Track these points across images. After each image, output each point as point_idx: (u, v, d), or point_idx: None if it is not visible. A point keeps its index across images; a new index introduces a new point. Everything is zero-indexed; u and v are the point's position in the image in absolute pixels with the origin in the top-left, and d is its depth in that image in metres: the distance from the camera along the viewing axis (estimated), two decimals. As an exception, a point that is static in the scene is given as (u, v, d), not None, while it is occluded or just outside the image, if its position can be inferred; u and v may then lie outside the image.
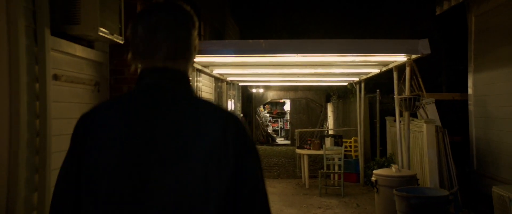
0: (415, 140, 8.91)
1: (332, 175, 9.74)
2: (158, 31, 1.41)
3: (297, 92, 20.42)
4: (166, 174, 1.31)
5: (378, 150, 11.46)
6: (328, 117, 19.17)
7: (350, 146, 11.10)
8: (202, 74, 8.70)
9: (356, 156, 10.98)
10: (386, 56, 5.92)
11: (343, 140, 10.94)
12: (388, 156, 11.00)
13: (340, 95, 17.01)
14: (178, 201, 1.30)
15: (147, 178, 1.31)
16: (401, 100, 6.27)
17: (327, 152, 9.48)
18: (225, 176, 1.33)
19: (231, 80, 11.23)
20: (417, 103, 6.10)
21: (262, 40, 5.39)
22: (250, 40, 5.51)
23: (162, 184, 1.30)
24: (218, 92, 10.64)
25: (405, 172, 6.34)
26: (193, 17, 1.48)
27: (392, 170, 6.26)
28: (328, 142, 10.10)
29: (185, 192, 1.30)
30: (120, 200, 1.31)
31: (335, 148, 9.69)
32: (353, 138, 11.06)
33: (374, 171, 6.49)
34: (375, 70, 7.82)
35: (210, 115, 1.39)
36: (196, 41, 1.50)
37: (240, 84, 13.06)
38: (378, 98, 11.49)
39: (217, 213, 1.31)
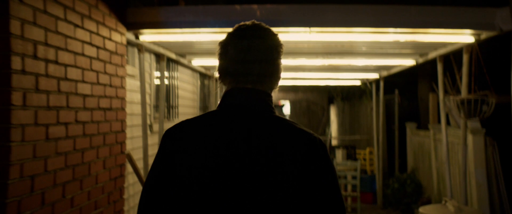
0: (452, 153, 6.95)
1: (345, 197, 7.76)
2: (250, 54, 1.49)
3: (298, 94, 18.44)
4: (258, 186, 1.39)
5: (396, 163, 9.50)
6: (331, 122, 17.19)
7: (364, 159, 9.13)
8: (180, 68, 6.73)
9: (372, 170, 9.02)
10: (444, 34, 3.94)
11: (356, 151, 8.99)
12: (409, 171, 9.05)
13: (344, 96, 15.05)
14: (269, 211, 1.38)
15: (240, 189, 1.39)
16: (460, 103, 4.28)
17: (339, 168, 7.53)
18: (311, 190, 1.41)
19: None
20: (484, 107, 4.12)
21: (255, 6, 3.45)
22: (238, 6, 3.57)
23: (255, 196, 1.39)
24: (204, 93, 8.65)
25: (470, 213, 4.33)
26: (280, 41, 1.56)
27: (449, 209, 4.26)
28: (339, 154, 8.14)
29: (276, 204, 1.38)
30: (215, 211, 1.39)
31: (349, 162, 7.72)
32: (368, 149, 9.08)
33: (421, 210, 4.47)
34: (407, 62, 5.83)
35: (297, 132, 1.46)
36: (281, 65, 1.57)
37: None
38: (397, 100, 9.53)
39: None
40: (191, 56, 5.81)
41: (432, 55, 5.38)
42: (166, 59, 5.73)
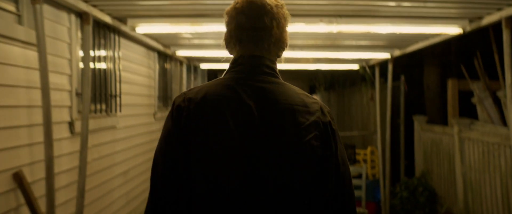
0: (490, 157, 5.28)
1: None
2: (259, 21, 1.51)
3: (277, 83, 16.72)
4: (278, 148, 1.41)
5: (402, 165, 7.81)
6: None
7: (365, 160, 7.40)
8: (126, 42, 4.83)
9: (374, 174, 7.31)
10: None
11: (356, 151, 7.28)
12: (418, 175, 7.38)
13: (328, 86, 13.34)
14: (290, 179, 1.41)
15: (260, 154, 1.40)
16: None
17: (338, 175, 5.78)
18: (330, 152, 1.47)
19: (186, 58, 7.35)
20: None
21: None
22: None
23: (276, 159, 1.41)
24: (166, 80, 6.76)
25: None
26: (286, 11, 1.58)
27: None
28: (336, 156, 6.38)
29: (298, 169, 1.42)
30: (233, 177, 1.39)
31: (351, 168, 5.97)
32: (369, 148, 7.35)
33: None
34: (448, 30, 4.04)
35: (308, 99, 1.52)
36: (287, 35, 1.60)
37: (203, 67, 9.15)
38: (403, 88, 7.84)
39: (319, 195, 1.45)
40: (133, 20, 3.92)
41: (491, 18, 3.63)
42: (96, 25, 3.84)
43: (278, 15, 1.53)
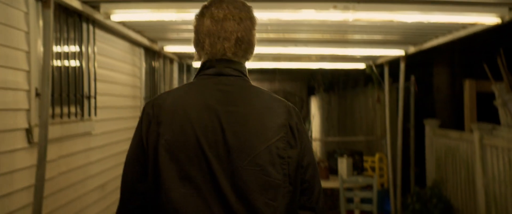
0: (511, 166, 4.67)
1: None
2: (226, 25, 1.51)
3: (274, 84, 16.04)
4: (243, 152, 1.42)
5: (412, 173, 7.19)
6: (312, 116, 14.85)
7: (372, 168, 6.76)
8: (104, 35, 4.18)
9: (382, 184, 6.67)
10: None
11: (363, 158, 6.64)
12: (430, 184, 6.75)
13: (327, 87, 12.68)
14: (256, 174, 1.42)
15: (225, 157, 1.41)
16: None
17: (347, 185, 5.15)
18: (296, 153, 1.49)
19: (177, 56, 6.69)
20: None
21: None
22: None
23: (240, 160, 1.41)
24: (155, 80, 6.10)
25: None
26: (253, 13, 1.59)
27: None
28: (343, 165, 5.75)
29: (262, 169, 1.42)
30: (200, 178, 1.40)
31: (360, 178, 5.34)
32: (377, 155, 6.70)
33: None
34: (482, 19, 3.39)
35: (275, 100, 1.54)
36: (255, 38, 1.60)
37: (195, 65, 8.46)
38: (413, 89, 7.23)
39: (288, 192, 1.47)
40: (109, 7, 3.25)
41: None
42: (64, 11, 3.18)
43: (245, 18, 1.54)
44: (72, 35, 3.51)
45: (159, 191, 1.40)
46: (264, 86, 11.98)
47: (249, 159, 1.41)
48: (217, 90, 1.48)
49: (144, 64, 5.63)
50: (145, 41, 5.04)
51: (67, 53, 3.47)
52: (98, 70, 4.03)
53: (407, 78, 7.28)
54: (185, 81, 8.45)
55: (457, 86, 8.44)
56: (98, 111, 4.02)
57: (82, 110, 3.73)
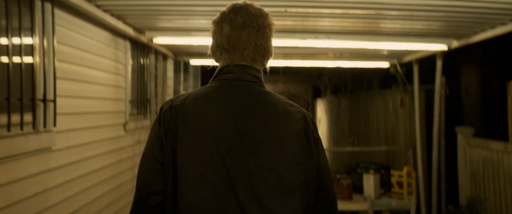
0: None
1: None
2: (245, 32, 1.53)
3: (278, 85, 15.12)
4: (260, 157, 1.43)
5: (443, 189, 6.20)
6: (318, 120, 13.87)
7: (399, 184, 5.77)
8: (67, 17, 3.19)
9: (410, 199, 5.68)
10: None
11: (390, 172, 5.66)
12: (464, 202, 5.78)
13: (334, 89, 11.68)
14: (272, 179, 1.43)
15: (242, 161, 1.42)
16: None
17: (377, 208, 4.19)
18: (312, 160, 1.50)
19: (172, 51, 5.70)
20: None
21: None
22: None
23: (257, 165, 1.43)
24: (144, 79, 5.12)
25: None
26: (271, 20, 1.60)
27: None
28: (369, 182, 4.77)
29: (278, 174, 1.43)
30: (217, 182, 1.40)
31: (394, 201, 4.36)
32: (405, 169, 5.70)
33: None
34: None
35: (291, 107, 1.55)
36: (272, 44, 1.61)
37: (194, 63, 7.44)
38: (444, 93, 6.23)
39: (303, 198, 1.47)
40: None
41: None
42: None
43: (263, 25, 1.56)
44: (16, 13, 2.52)
45: (175, 194, 1.41)
46: (266, 88, 10.96)
47: (266, 164, 1.43)
48: (236, 96, 1.50)
49: (130, 61, 4.66)
50: (129, 30, 4.06)
51: (11, 41, 2.48)
52: (62, 65, 3.04)
53: (429, 80, 6.33)
54: (181, 82, 7.47)
55: (491, 88, 7.49)
56: (61, 118, 3.03)
57: (34, 118, 2.74)
